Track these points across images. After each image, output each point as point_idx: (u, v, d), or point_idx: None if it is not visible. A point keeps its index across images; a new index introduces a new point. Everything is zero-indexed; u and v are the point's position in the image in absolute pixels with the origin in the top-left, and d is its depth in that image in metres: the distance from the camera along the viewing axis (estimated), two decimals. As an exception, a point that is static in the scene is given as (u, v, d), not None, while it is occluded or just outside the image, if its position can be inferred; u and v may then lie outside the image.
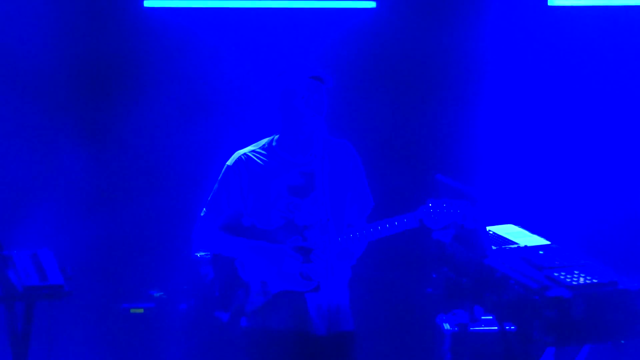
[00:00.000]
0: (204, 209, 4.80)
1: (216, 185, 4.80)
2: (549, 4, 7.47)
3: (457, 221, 4.52)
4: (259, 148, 4.81)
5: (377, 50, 7.47)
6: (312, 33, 7.42)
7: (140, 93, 7.42)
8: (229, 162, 4.80)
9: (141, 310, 7.12)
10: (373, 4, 7.47)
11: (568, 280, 4.44)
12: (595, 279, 4.45)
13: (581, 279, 4.45)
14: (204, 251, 6.39)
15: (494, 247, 4.87)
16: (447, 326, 6.29)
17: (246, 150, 4.81)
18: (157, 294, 7.21)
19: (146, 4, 7.46)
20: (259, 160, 4.77)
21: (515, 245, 4.97)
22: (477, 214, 4.48)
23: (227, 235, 4.75)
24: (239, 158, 4.79)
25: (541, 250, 4.84)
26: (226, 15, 7.47)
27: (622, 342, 4.44)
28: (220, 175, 4.80)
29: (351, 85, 7.29)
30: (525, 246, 4.95)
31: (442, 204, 4.52)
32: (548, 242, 4.99)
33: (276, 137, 4.81)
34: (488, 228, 5.05)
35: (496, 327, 4.88)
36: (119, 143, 7.44)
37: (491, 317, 5.48)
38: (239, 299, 4.73)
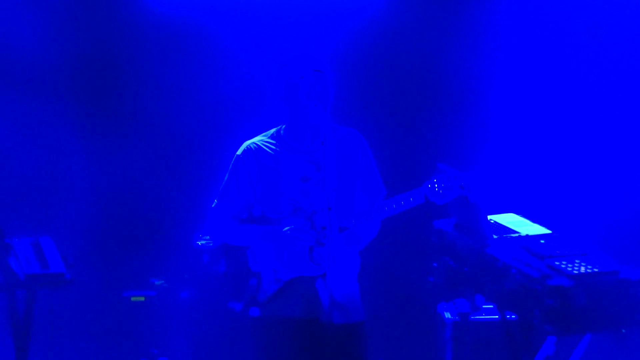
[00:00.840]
0: (215, 200, 4.81)
1: (226, 176, 4.82)
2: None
3: (460, 194, 4.51)
4: (268, 137, 4.83)
5: (383, 41, 7.45)
6: (317, 23, 7.40)
7: (143, 83, 7.41)
8: (238, 152, 4.82)
9: (142, 298, 7.13)
10: (378, -6, 7.46)
11: (569, 269, 4.44)
12: (597, 268, 4.45)
13: (582, 268, 4.45)
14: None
15: (495, 236, 4.87)
16: (448, 315, 6.30)
17: (255, 139, 4.84)
18: (158, 282, 7.22)
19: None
20: (267, 149, 4.79)
21: (517, 235, 4.97)
22: (480, 187, 4.47)
23: (237, 224, 4.76)
24: (248, 148, 4.80)
25: (542, 240, 4.85)
26: (228, 6, 7.45)
27: (623, 331, 4.45)
28: (230, 165, 4.81)
29: (356, 76, 7.28)
30: (527, 235, 4.95)
31: (446, 178, 4.52)
32: (549, 231, 5.00)
33: (283, 126, 4.83)
34: (489, 217, 5.05)
35: (497, 316, 4.90)
36: (121, 132, 7.43)
37: (492, 306, 5.49)
38: (251, 288, 4.73)
